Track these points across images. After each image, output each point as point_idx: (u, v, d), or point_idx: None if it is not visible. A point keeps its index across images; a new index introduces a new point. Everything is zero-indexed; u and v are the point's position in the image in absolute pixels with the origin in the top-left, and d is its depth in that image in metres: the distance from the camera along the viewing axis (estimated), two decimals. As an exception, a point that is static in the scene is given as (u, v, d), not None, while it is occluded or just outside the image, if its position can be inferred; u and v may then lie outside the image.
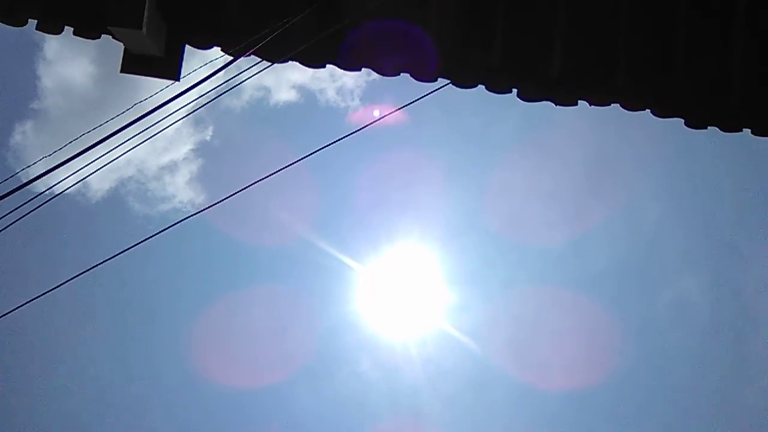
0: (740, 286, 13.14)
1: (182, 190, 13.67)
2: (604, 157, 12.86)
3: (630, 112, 4.50)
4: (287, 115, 13.62)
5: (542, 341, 12.90)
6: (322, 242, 12.42)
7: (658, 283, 13.25)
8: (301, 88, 13.27)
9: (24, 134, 13.49)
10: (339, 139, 4.07)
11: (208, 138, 13.68)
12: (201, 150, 13.70)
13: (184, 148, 13.59)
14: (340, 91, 13.17)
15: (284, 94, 13.36)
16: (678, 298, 13.11)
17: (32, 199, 4.28)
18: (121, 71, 4.37)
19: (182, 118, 3.98)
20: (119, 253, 3.87)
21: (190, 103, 4.11)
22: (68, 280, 3.85)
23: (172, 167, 13.68)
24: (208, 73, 4.09)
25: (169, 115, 3.92)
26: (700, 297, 13.14)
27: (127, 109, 3.90)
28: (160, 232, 4.28)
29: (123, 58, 4.38)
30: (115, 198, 13.42)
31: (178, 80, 4.29)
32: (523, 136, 12.77)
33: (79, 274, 3.80)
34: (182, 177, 13.71)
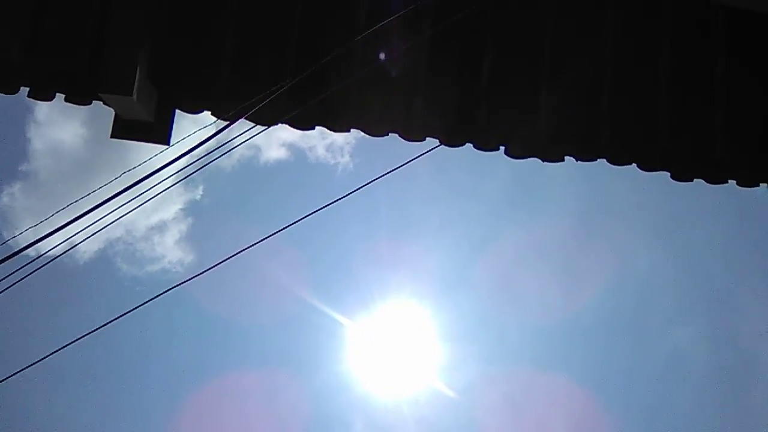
0: (737, 334, 13.09)
1: (171, 251, 13.62)
2: (594, 209, 12.95)
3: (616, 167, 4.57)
4: (278, 172, 13.70)
5: (536, 396, 12.74)
6: (312, 299, 12.34)
7: (654, 334, 13.19)
8: (291, 146, 13.38)
9: (12, 196, 13.47)
10: (331, 203, 4.08)
11: (197, 197, 13.71)
12: (191, 209, 13.71)
13: (174, 208, 13.59)
14: (330, 147, 13.29)
15: (274, 152, 13.46)
16: (674, 349, 13.04)
17: (23, 266, 4.25)
18: (112, 137, 4.40)
19: (174, 184, 3.99)
20: (107, 323, 3.83)
21: (181, 169, 4.12)
22: (55, 351, 3.80)
23: (161, 227, 13.66)
24: (199, 136, 4.14)
25: (161, 181, 3.92)
26: (696, 348, 13.07)
27: (117, 177, 3.91)
28: (152, 299, 4.24)
29: (113, 124, 4.41)
30: (103, 259, 13.33)
31: (169, 145, 4.32)
32: (514, 190, 12.86)
33: (67, 345, 3.75)
34: (171, 237, 13.67)
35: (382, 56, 3.91)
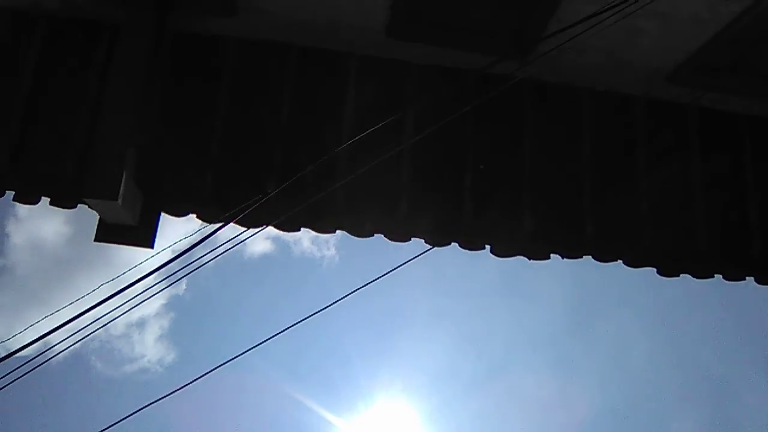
0: (737, 419, 12.81)
1: (152, 348, 13.32)
2: (584, 300, 12.89)
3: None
4: (263, 266, 13.63)
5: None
6: (301, 397, 12.05)
7: (654, 425, 12.89)
8: (275, 239, 13.38)
9: (-12, 291, 13.26)
10: (321, 310, 4.04)
11: (180, 292, 13.55)
12: (173, 304, 13.52)
13: (155, 303, 13.40)
14: (315, 240, 13.31)
15: (259, 246, 13.45)
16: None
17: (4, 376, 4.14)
18: (95, 240, 4.36)
19: (161, 290, 3.93)
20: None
21: (169, 274, 4.08)
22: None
23: (141, 324, 13.42)
24: (183, 236, 4.12)
25: (147, 289, 3.87)
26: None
27: (101, 285, 3.86)
28: (134, 413, 4.10)
29: (97, 227, 4.39)
30: (79, 357, 12.98)
31: (152, 248, 4.29)
32: (504, 282, 12.83)
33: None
34: (152, 334, 13.42)
35: (366, 166, 3.96)
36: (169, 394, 3.81)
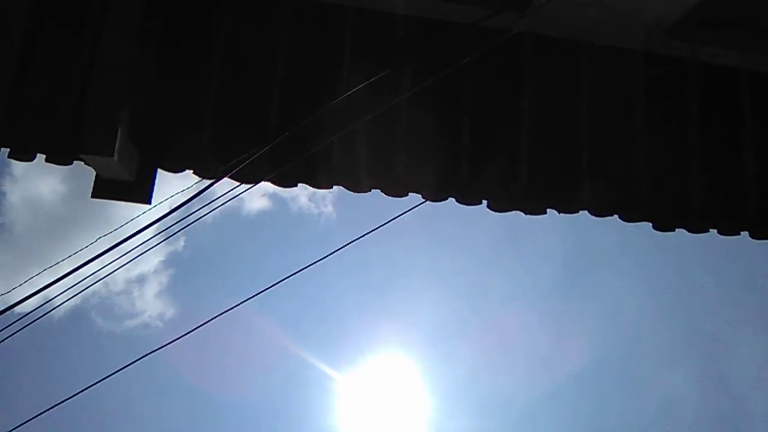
0: (727, 376, 13.02)
1: (152, 304, 13.43)
2: (581, 255, 12.97)
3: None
4: (261, 223, 13.66)
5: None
6: (301, 351, 12.19)
7: (646, 380, 13.10)
8: (272, 196, 13.38)
9: (-13, 250, 13.29)
10: (318, 261, 4.07)
11: (179, 249, 13.60)
12: (172, 261, 13.58)
13: (154, 260, 13.46)
14: (312, 197, 13.32)
15: (256, 203, 13.45)
16: (666, 394, 12.94)
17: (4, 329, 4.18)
18: (93, 197, 4.37)
19: (156, 244, 3.95)
20: (85, 389, 3.74)
21: (164, 229, 4.09)
22: (35, 417, 3.70)
23: (140, 280, 13.50)
24: (180, 193, 4.13)
25: (144, 242, 3.89)
26: (688, 391, 12.98)
27: (99, 239, 3.87)
28: (136, 361, 4.16)
29: (94, 183, 4.39)
30: (81, 314, 13.08)
31: (150, 204, 4.30)
32: (501, 238, 12.89)
33: (46, 410, 3.65)
34: (152, 290, 13.51)
35: (364, 118, 3.94)
36: (168, 344, 3.86)
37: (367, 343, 12.60)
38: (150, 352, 3.92)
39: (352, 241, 3.88)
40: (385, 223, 3.88)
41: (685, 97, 4.77)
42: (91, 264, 3.98)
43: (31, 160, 4.44)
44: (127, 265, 3.76)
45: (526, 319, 12.86)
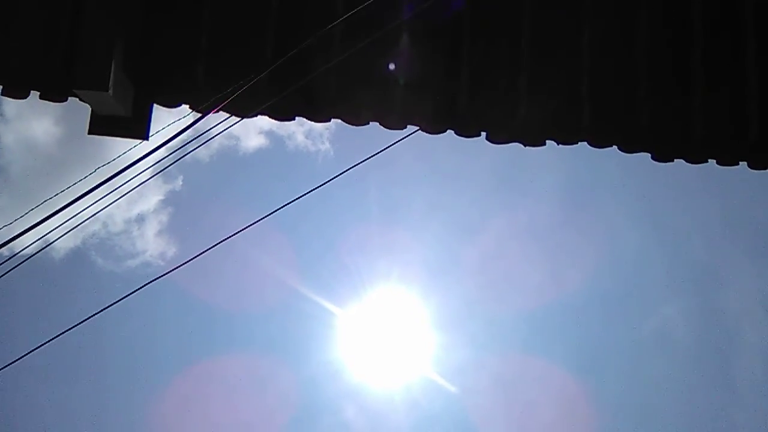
0: (722, 308, 13.22)
1: (153, 243, 13.50)
2: (579, 190, 13.00)
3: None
4: (258, 161, 13.62)
5: (526, 378, 12.83)
6: (301, 287, 12.32)
7: (641, 311, 13.30)
8: (269, 134, 13.29)
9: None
10: (316, 188, 4.06)
11: (177, 188, 13.59)
12: (171, 200, 13.59)
13: (153, 199, 13.47)
14: (309, 134, 13.23)
15: (253, 141, 13.37)
16: (661, 325, 13.15)
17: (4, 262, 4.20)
18: (89, 133, 4.35)
19: (151, 177, 3.94)
20: (89, 317, 3.78)
21: (159, 161, 4.08)
22: (35, 348, 3.76)
23: (140, 220, 13.54)
24: (176, 129, 4.10)
25: (138, 174, 3.88)
26: (683, 323, 13.20)
27: (94, 171, 3.86)
28: (137, 290, 4.20)
29: (90, 120, 4.36)
30: (80, 255, 13.15)
31: (147, 140, 4.27)
32: (499, 172, 12.87)
33: (47, 342, 3.71)
34: (152, 229, 13.55)
35: (360, 45, 3.87)
36: (165, 274, 3.89)
37: (366, 277, 12.72)
38: (148, 282, 3.96)
39: (348, 169, 3.87)
40: (383, 150, 3.87)
41: (689, 22, 4.67)
42: (88, 199, 3.97)
43: (25, 97, 4.39)
44: (124, 197, 3.75)
45: (524, 253, 12.97)
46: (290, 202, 4.26)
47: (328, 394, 12.90)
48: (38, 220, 3.36)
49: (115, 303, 4.18)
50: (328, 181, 4.27)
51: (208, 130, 4.11)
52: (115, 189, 3.90)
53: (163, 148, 4.08)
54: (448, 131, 4.45)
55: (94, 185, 3.59)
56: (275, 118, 4.29)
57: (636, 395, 12.95)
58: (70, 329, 4.12)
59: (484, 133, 4.42)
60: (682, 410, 12.98)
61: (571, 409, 12.48)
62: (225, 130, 3.87)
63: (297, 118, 4.33)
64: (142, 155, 3.66)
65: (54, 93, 4.30)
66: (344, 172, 4.10)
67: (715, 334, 13.15)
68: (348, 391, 12.83)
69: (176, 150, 4.20)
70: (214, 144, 13.11)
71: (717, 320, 13.18)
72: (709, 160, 4.71)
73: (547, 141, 4.47)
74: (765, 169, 4.76)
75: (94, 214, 3.81)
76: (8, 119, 13.19)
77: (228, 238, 4.08)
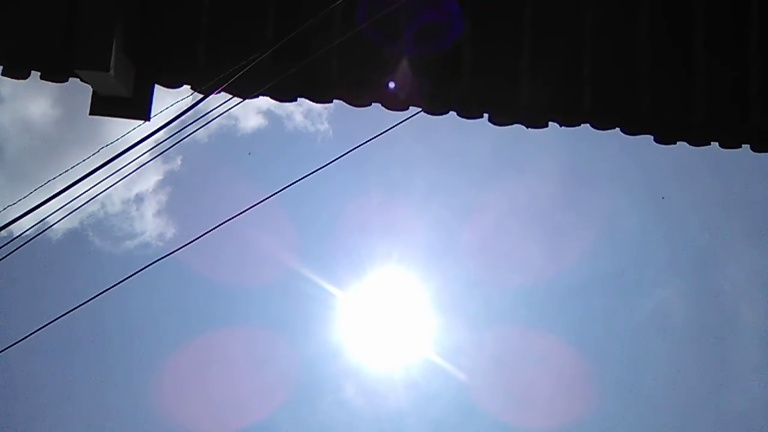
0: (720, 289, 13.27)
1: (151, 224, 13.49)
2: (578, 171, 12.98)
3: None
4: (257, 141, 13.57)
5: (524, 357, 12.90)
6: (301, 269, 12.34)
7: (639, 293, 13.35)
8: (268, 114, 13.23)
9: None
10: (315, 171, 4.06)
11: (176, 168, 13.55)
12: (170, 180, 13.56)
13: (152, 180, 13.43)
14: (308, 114, 13.17)
15: (252, 121, 13.30)
16: (659, 306, 13.21)
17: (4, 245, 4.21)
18: (91, 113, 4.34)
19: (151, 159, 3.94)
20: (92, 298, 3.80)
21: (159, 143, 4.07)
22: (37, 330, 3.77)
23: (138, 200, 13.52)
24: (177, 109, 4.09)
25: (138, 156, 3.88)
26: (678, 305, 13.25)
27: (94, 153, 3.85)
28: (137, 272, 4.21)
29: (92, 100, 4.35)
30: (79, 235, 13.14)
31: (149, 120, 4.27)
32: (499, 153, 12.86)
33: (48, 323, 3.72)
34: (151, 210, 13.54)
35: (362, 25, 3.85)
36: (169, 254, 3.90)
37: (366, 258, 12.75)
38: (151, 263, 3.96)
39: (349, 151, 3.86)
40: (383, 132, 3.86)
41: (691, 5, 4.65)
42: (87, 182, 3.97)
43: (26, 77, 4.38)
44: (124, 179, 3.75)
45: (524, 234, 12.99)
46: (292, 184, 4.25)
47: (328, 373, 12.98)
48: (38, 203, 3.36)
49: (118, 284, 4.19)
50: (331, 162, 4.26)
51: (209, 111, 4.10)
52: (116, 171, 3.89)
53: (163, 129, 4.07)
54: (450, 112, 4.44)
55: (95, 167, 3.58)
56: (277, 99, 4.28)
57: (634, 375, 13.04)
58: (72, 310, 4.14)
59: (486, 115, 4.42)
60: (679, 390, 13.08)
61: (570, 388, 12.58)
62: (226, 111, 3.85)
63: (298, 98, 4.32)
64: (143, 137, 3.65)
65: (55, 73, 4.28)
66: (347, 153, 4.09)
67: (714, 314, 13.22)
68: (347, 371, 12.91)
69: (177, 132, 4.20)
70: (213, 125, 13.02)
71: (715, 301, 13.25)
72: (712, 143, 4.71)
73: (549, 123, 4.46)
74: (767, 151, 4.76)
75: (95, 197, 3.80)
76: (4, 99, 13.12)
77: (230, 219, 4.08)
